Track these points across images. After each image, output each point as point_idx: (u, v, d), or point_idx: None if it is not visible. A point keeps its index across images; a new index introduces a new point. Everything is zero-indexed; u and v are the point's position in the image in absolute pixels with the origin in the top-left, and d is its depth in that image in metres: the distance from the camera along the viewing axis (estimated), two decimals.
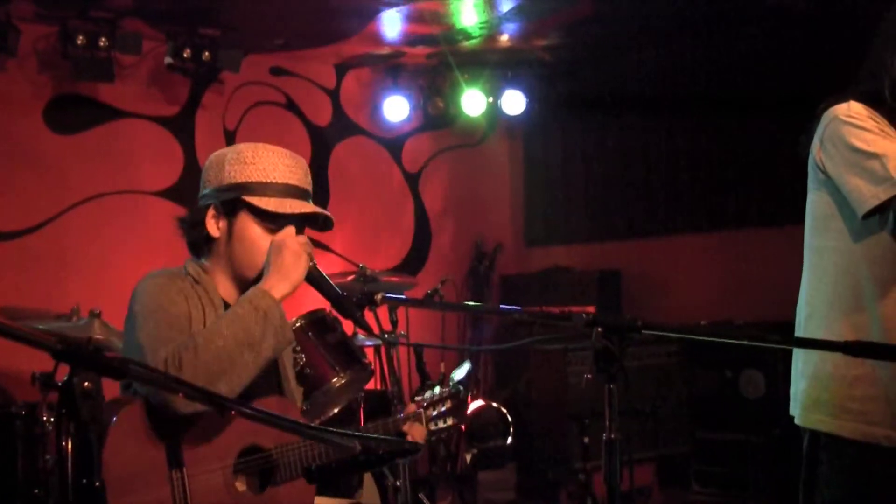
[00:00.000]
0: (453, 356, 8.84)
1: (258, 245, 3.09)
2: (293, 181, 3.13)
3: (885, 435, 3.02)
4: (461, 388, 3.62)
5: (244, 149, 3.14)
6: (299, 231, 3.15)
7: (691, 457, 7.66)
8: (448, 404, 3.55)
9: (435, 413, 3.52)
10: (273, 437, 3.04)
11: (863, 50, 3.25)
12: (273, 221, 3.09)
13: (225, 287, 3.16)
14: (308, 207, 3.15)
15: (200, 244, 3.19)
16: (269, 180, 3.08)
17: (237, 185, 3.08)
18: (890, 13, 3.15)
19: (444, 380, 7.71)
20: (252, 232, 3.10)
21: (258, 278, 3.09)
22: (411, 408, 3.51)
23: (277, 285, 2.99)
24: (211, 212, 3.13)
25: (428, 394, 3.56)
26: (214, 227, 3.13)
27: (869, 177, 2.94)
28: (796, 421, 3.21)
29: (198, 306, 3.06)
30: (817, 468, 3.14)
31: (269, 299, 2.95)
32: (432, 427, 3.52)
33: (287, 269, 3.00)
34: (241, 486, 3.01)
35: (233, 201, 3.10)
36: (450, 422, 3.56)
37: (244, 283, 3.13)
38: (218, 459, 2.93)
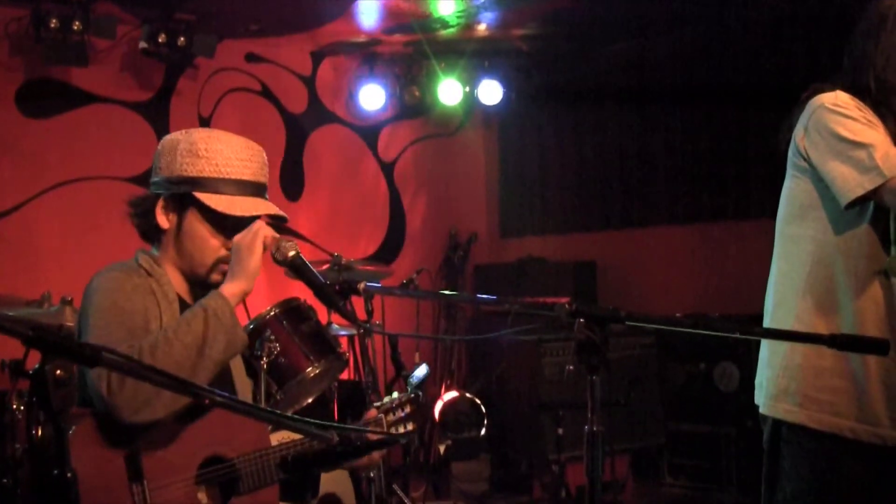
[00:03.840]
0: (428, 346, 8.83)
1: (208, 243, 3.00)
2: (247, 176, 3.02)
3: (850, 427, 3.02)
4: (419, 392, 3.57)
5: (198, 139, 3.01)
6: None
7: (665, 449, 7.67)
8: (407, 409, 3.48)
9: (394, 418, 3.44)
10: (235, 447, 2.95)
11: (837, 44, 3.25)
12: (222, 222, 2.99)
13: (176, 279, 3.07)
14: (260, 208, 3.02)
15: (150, 232, 3.11)
16: (221, 176, 2.97)
17: (188, 178, 2.98)
18: (870, 5, 3.13)
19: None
20: (200, 230, 3.00)
21: (208, 274, 3.03)
22: (372, 413, 3.42)
23: (229, 284, 2.90)
24: (161, 203, 3.03)
25: (387, 399, 3.49)
26: (164, 219, 3.04)
27: (855, 166, 2.93)
28: (761, 410, 3.21)
29: (153, 302, 2.97)
30: (779, 462, 3.14)
31: (219, 299, 2.86)
32: (393, 432, 3.46)
33: (242, 266, 2.90)
34: (203, 497, 2.93)
35: (183, 195, 3.00)
36: (410, 426, 3.48)
37: (194, 277, 3.05)
38: (179, 471, 2.83)
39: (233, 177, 3.00)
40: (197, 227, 3.01)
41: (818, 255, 3.09)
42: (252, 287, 2.93)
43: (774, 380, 3.16)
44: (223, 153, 3.00)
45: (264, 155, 3.12)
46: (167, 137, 3.10)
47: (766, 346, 3.26)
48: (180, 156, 3.00)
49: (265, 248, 2.92)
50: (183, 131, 3.09)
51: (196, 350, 2.78)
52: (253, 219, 3.00)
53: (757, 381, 3.28)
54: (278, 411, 3.05)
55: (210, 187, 2.98)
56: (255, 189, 3.05)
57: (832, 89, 3.09)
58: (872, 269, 3.03)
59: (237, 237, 2.93)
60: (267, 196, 3.11)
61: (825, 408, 3.04)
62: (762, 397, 3.22)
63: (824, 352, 2.93)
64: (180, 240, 3.04)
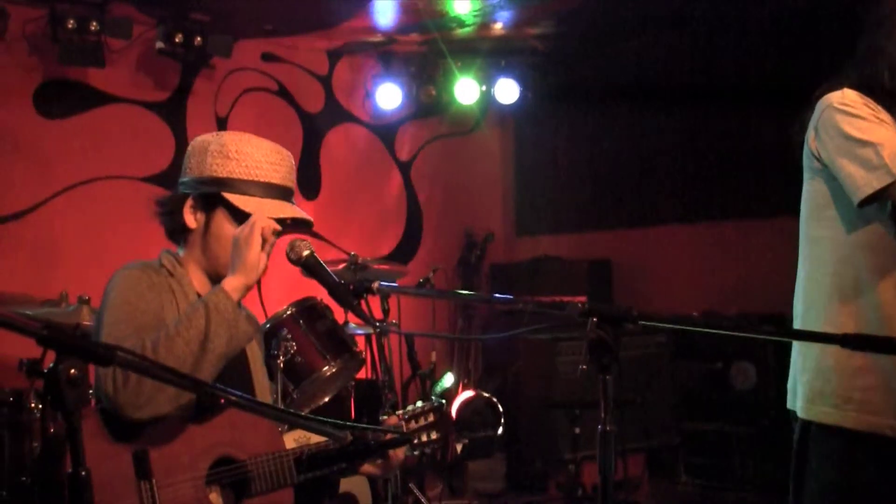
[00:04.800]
0: (444, 346, 8.82)
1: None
2: (276, 180, 3.05)
3: (889, 425, 3.00)
4: (443, 401, 3.53)
5: (228, 141, 3.05)
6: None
7: (680, 448, 7.66)
8: (431, 417, 3.43)
9: (417, 426, 3.40)
10: (247, 449, 2.95)
11: (846, 40, 3.23)
12: None
13: (199, 279, 3.09)
14: (287, 211, 3.05)
15: (176, 232, 3.12)
16: (250, 178, 3.01)
17: (218, 179, 3.01)
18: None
19: (434, 369, 7.69)
20: (228, 230, 3.01)
21: None
22: (392, 420, 3.39)
23: (230, 279, 2.91)
24: (189, 202, 3.05)
25: (410, 407, 3.46)
26: (192, 218, 3.06)
27: (863, 164, 2.92)
28: (799, 414, 3.18)
29: (171, 301, 2.99)
30: (807, 461, 3.12)
31: (220, 294, 2.87)
32: (414, 441, 3.43)
33: (241, 259, 2.90)
34: (214, 497, 2.93)
35: (211, 196, 3.02)
36: (434, 435, 3.44)
37: (218, 278, 3.02)
38: (188, 470, 2.84)
39: (262, 179, 3.03)
40: (224, 227, 3.03)
41: (840, 254, 3.08)
42: (254, 280, 2.93)
43: (809, 383, 3.13)
44: (253, 156, 3.03)
45: (292, 160, 3.15)
46: (198, 138, 3.14)
47: (797, 350, 3.24)
48: (211, 156, 3.03)
49: (265, 241, 2.92)
50: (214, 133, 3.13)
51: (198, 345, 2.78)
52: (278, 221, 3.02)
53: (789, 386, 3.26)
54: (292, 410, 3.05)
55: (239, 189, 3.00)
56: (283, 193, 3.08)
57: (840, 87, 3.08)
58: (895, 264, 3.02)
59: (235, 231, 2.95)
60: (294, 201, 3.13)
61: (862, 407, 3.02)
62: (797, 401, 3.19)
63: (855, 351, 2.91)
64: (207, 240, 3.06)
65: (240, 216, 2.99)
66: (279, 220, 3.00)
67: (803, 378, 3.17)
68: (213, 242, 3.05)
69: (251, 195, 3.00)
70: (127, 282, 2.96)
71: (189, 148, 3.13)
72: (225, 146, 3.04)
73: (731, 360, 7.38)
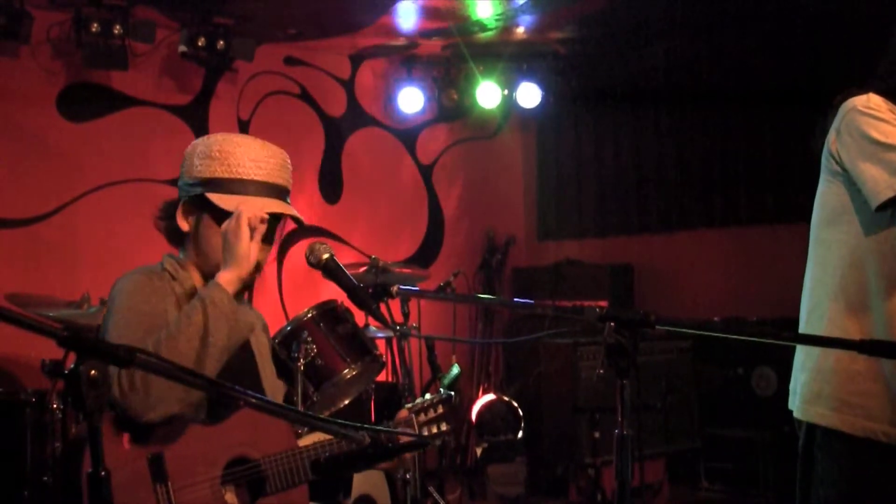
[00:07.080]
0: (465, 349, 8.83)
1: (221, 245, 2.99)
2: (259, 177, 3.02)
3: (884, 431, 3.00)
4: (451, 393, 3.55)
5: (213, 142, 3.06)
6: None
7: (701, 453, 7.64)
8: (440, 409, 3.44)
9: (426, 419, 3.41)
10: (260, 448, 2.96)
11: (873, 46, 3.23)
12: None
13: (200, 282, 3.09)
14: (271, 207, 3.02)
15: (175, 237, 3.14)
16: (232, 176, 3.00)
17: (203, 180, 3.01)
18: None
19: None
20: (215, 230, 3.01)
21: None
22: (402, 414, 3.39)
23: (223, 273, 2.92)
24: (181, 207, 3.07)
25: (418, 400, 3.46)
26: (184, 222, 3.07)
27: (885, 168, 2.92)
28: (795, 414, 3.20)
29: (175, 304, 3.00)
30: (813, 467, 3.12)
31: (215, 289, 2.88)
32: (424, 433, 3.45)
33: (231, 252, 2.91)
34: (230, 497, 2.94)
35: (198, 197, 3.03)
36: (444, 427, 3.45)
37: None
38: (204, 471, 2.85)
39: (243, 177, 3.01)
40: (212, 227, 3.03)
41: (851, 258, 3.07)
42: (247, 271, 2.94)
43: (808, 384, 3.14)
44: (235, 154, 3.02)
45: (285, 158, 3.13)
46: (192, 142, 3.15)
47: (799, 350, 3.25)
48: (197, 158, 3.05)
49: (253, 230, 2.93)
50: (207, 136, 3.14)
51: (199, 341, 2.80)
52: (273, 219, 3.03)
53: (791, 386, 3.26)
54: (311, 412, 3.06)
55: (223, 188, 3.00)
56: (269, 190, 3.05)
57: (865, 93, 3.07)
58: None
59: (223, 225, 2.95)
60: (288, 200, 3.11)
61: (858, 412, 3.02)
62: (796, 402, 3.20)
63: (857, 355, 2.90)
64: (198, 241, 3.07)
65: (224, 215, 2.98)
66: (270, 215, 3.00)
67: (802, 378, 3.17)
68: (203, 244, 3.06)
69: (235, 193, 2.99)
70: (132, 286, 2.98)
71: (184, 153, 3.14)
72: (210, 147, 3.05)
73: (752, 365, 7.37)
